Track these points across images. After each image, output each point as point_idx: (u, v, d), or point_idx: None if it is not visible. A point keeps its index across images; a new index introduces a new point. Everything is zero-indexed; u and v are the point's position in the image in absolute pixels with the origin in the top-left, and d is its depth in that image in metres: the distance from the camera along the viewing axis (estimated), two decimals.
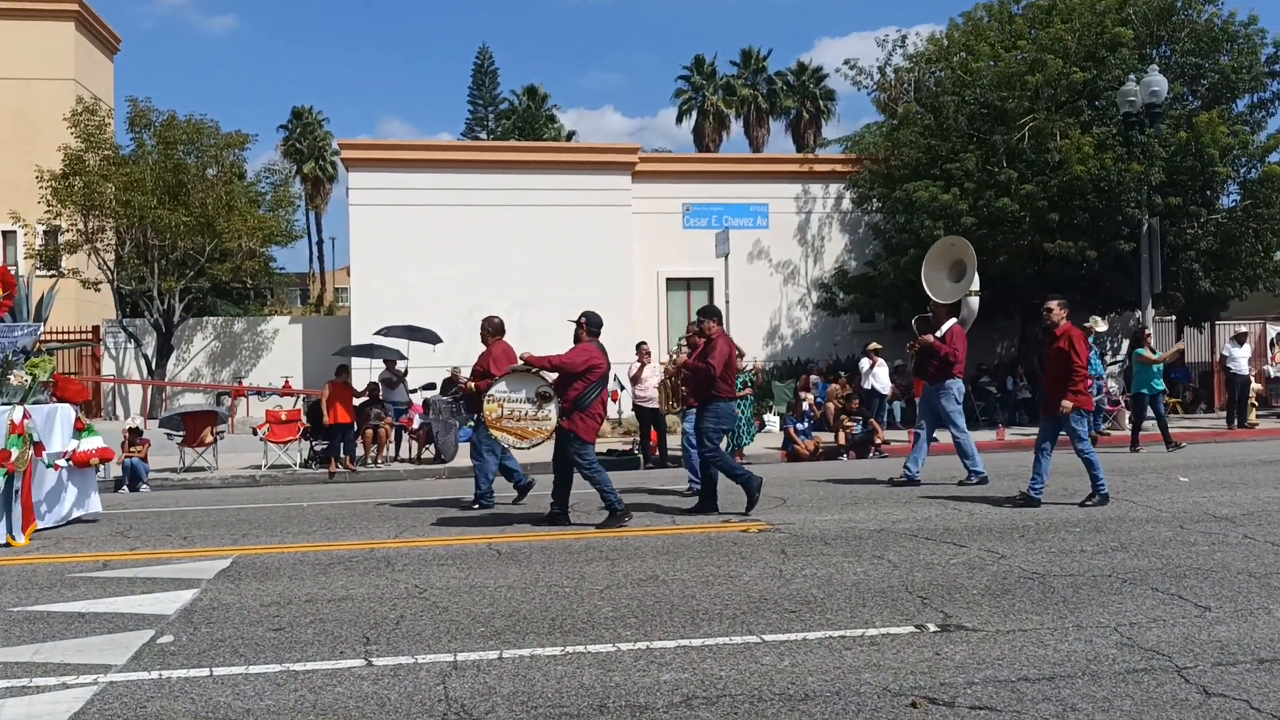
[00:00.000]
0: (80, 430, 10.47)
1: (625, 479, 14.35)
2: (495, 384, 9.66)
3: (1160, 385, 16.19)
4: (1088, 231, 19.75)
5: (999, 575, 6.87)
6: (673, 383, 11.86)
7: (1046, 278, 21.31)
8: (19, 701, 4.83)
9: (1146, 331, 16.73)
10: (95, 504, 10.81)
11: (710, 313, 10.38)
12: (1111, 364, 22.64)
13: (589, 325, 9.78)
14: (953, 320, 12.14)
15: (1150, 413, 16.14)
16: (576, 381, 9.41)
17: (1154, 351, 16.44)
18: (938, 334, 11.83)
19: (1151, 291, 19.44)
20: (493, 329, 11.23)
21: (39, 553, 8.80)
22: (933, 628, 5.66)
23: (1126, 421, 19.74)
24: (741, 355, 15.82)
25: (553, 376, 9.47)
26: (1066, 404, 9.76)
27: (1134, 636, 5.41)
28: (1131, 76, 19.41)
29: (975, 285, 13.52)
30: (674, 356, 13.98)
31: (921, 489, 11.35)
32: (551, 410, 9.45)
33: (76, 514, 10.45)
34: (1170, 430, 16.19)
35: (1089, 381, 10.15)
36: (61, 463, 10.02)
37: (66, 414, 10.31)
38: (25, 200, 24.48)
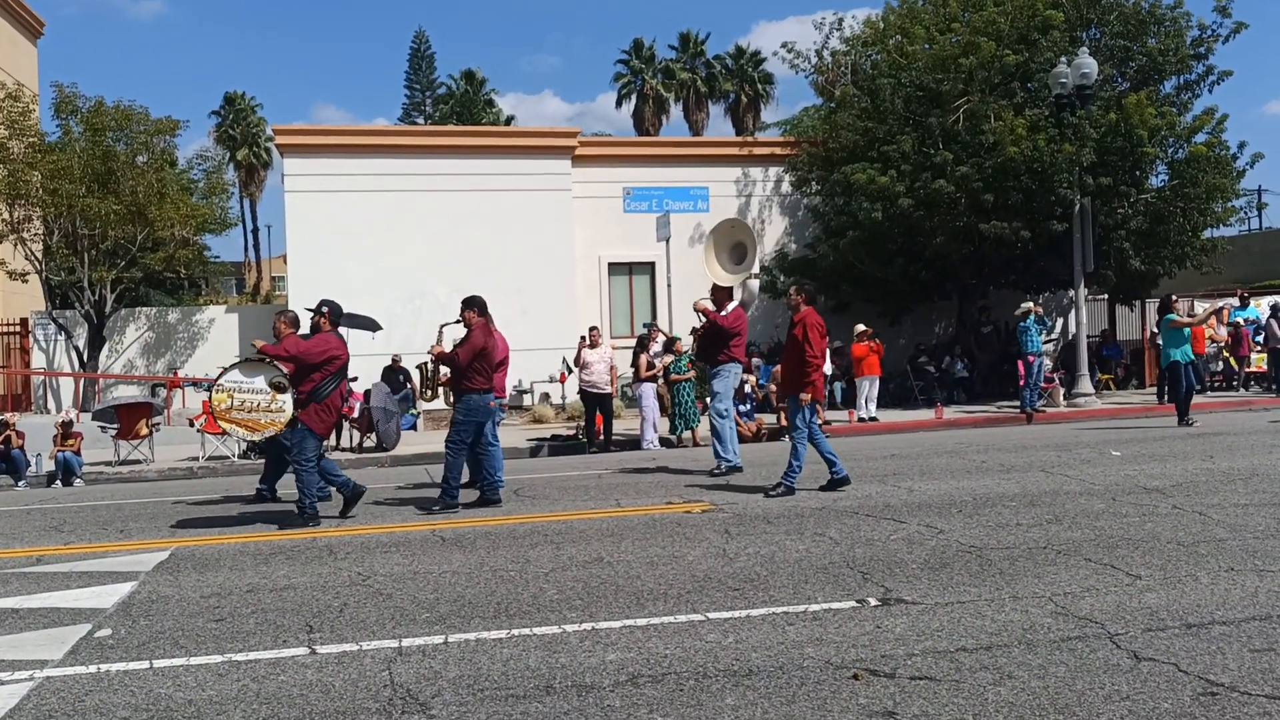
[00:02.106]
0: None
1: (571, 463, 14.38)
2: (227, 373, 9.39)
3: (1191, 354, 15.76)
4: (1022, 212, 20.06)
5: (937, 549, 6.99)
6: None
7: (982, 258, 21.63)
8: None
9: (1175, 298, 16.55)
10: None
11: (472, 303, 10.15)
12: (1047, 342, 23.04)
13: (330, 315, 9.58)
14: (734, 303, 12.03)
15: (1170, 380, 15.68)
16: (314, 373, 9.17)
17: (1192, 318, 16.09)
18: (726, 315, 11.61)
19: (1084, 270, 19.82)
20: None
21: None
22: (873, 602, 5.75)
23: (1061, 399, 20.20)
24: (671, 340, 15.88)
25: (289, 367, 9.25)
26: (805, 396, 9.75)
27: (1068, 605, 5.54)
28: (1062, 59, 19.73)
29: (756, 268, 13.54)
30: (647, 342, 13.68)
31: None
32: (286, 402, 9.17)
33: None
34: (1102, 405, 16.48)
35: (821, 372, 9.99)
36: None
37: None
38: None
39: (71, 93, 23.70)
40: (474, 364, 9.69)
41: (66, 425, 16.50)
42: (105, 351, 24.15)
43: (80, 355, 23.71)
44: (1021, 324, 18.92)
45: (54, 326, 24.02)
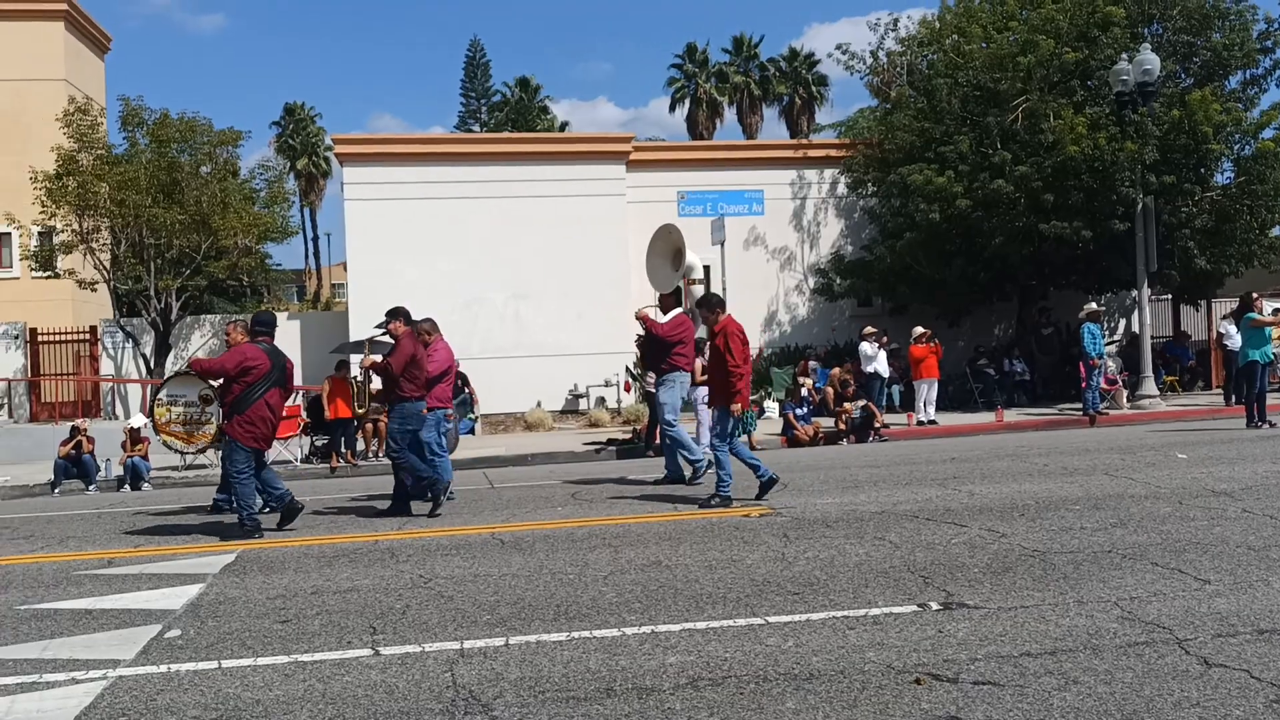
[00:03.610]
0: None
1: (628, 466, 14.41)
2: (162, 388, 9.65)
3: (1272, 354, 15.31)
4: (1082, 212, 19.75)
5: (1000, 554, 6.91)
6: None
7: (1042, 259, 21.32)
8: (30, 697, 4.87)
9: (1256, 296, 16.16)
10: None
11: (397, 313, 10.17)
12: (1109, 343, 22.65)
13: (253, 325, 9.65)
14: (678, 310, 11.82)
15: (1245, 380, 15.28)
16: (234, 384, 9.19)
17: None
18: (663, 323, 11.40)
19: (1147, 270, 19.48)
20: (431, 327, 10.85)
21: (44, 551, 8.83)
22: (935, 606, 5.71)
23: (1124, 401, 19.84)
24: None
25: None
26: (736, 407, 9.63)
27: (1134, 610, 5.45)
28: (1124, 55, 19.39)
29: (698, 274, 13.26)
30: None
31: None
32: (213, 413, 9.37)
33: None
34: (1167, 407, 16.13)
35: (746, 381, 9.80)
36: None
37: None
38: (19, 202, 24.40)
39: (138, 105, 24.22)
40: (406, 372, 9.78)
41: (135, 431, 16.86)
42: (171, 358, 24.64)
43: (147, 362, 24.23)
44: (1084, 325, 18.63)
45: (122, 334, 24.56)
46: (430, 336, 10.61)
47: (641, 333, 11.69)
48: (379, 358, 10.21)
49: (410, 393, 9.87)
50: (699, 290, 13.01)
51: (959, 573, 6.43)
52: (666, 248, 13.10)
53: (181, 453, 10.08)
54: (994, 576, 6.30)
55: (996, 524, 7.91)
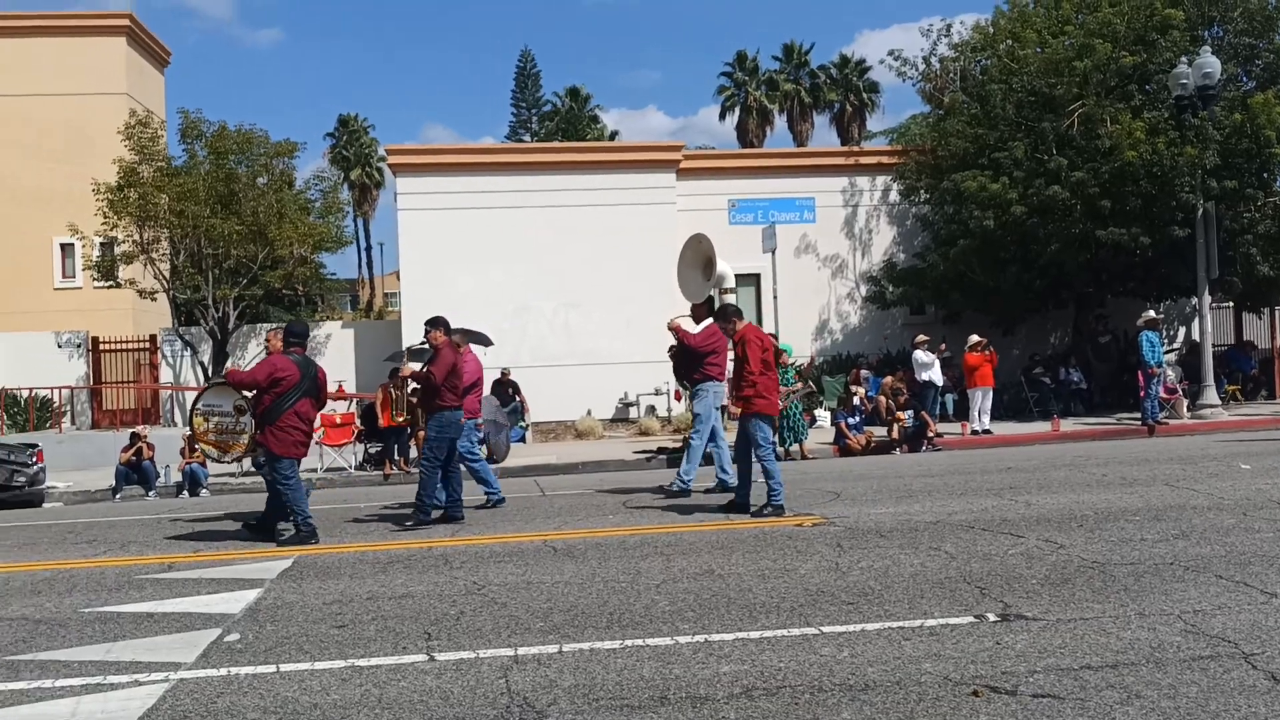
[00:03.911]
0: None
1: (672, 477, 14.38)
2: (201, 397, 9.78)
3: None
4: (1141, 218, 19.44)
5: (1058, 565, 6.81)
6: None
7: (1099, 266, 21.02)
8: (95, 698, 4.96)
9: None
10: None
11: (436, 323, 10.21)
12: (1168, 352, 22.24)
13: (286, 336, 9.70)
14: (710, 320, 11.68)
15: None
16: (264, 396, 9.28)
17: None
18: (694, 334, 11.33)
19: (1208, 277, 19.10)
20: (461, 338, 10.89)
21: (106, 555, 9.00)
22: (992, 617, 5.63)
23: (1185, 411, 19.47)
24: (778, 354, 15.73)
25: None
26: (735, 409, 9.60)
27: (1198, 624, 5.34)
28: (1183, 59, 19.07)
29: (730, 283, 13.04)
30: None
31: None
32: (248, 423, 9.52)
33: None
34: (1229, 416, 15.82)
35: (756, 388, 9.62)
36: None
37: None
38: (82, 213, 24.95)
39: (197, 118, 24.69)
40: (447, 381, 9.84)
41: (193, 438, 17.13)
42: (229, 366, 25.05)
43: (205, 370, 24.63)
44: (1142, 333, 18.33)
45: (180, 343, 25.01)
46: (461, 347, 10.68)
47: (674, 343, 11.64)
48: (418, 366, 10.30)
49: (450, 402, 9.94)
50: (732, 299, 12.90)
51: (1016, 584, 6.34)
52: (697, 257, 13.05)
53: (217, 461, 10.24)
54: (1052, 588, 6.21)
55: (1054, 535, 7.80)
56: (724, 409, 11.46)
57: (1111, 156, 19.12)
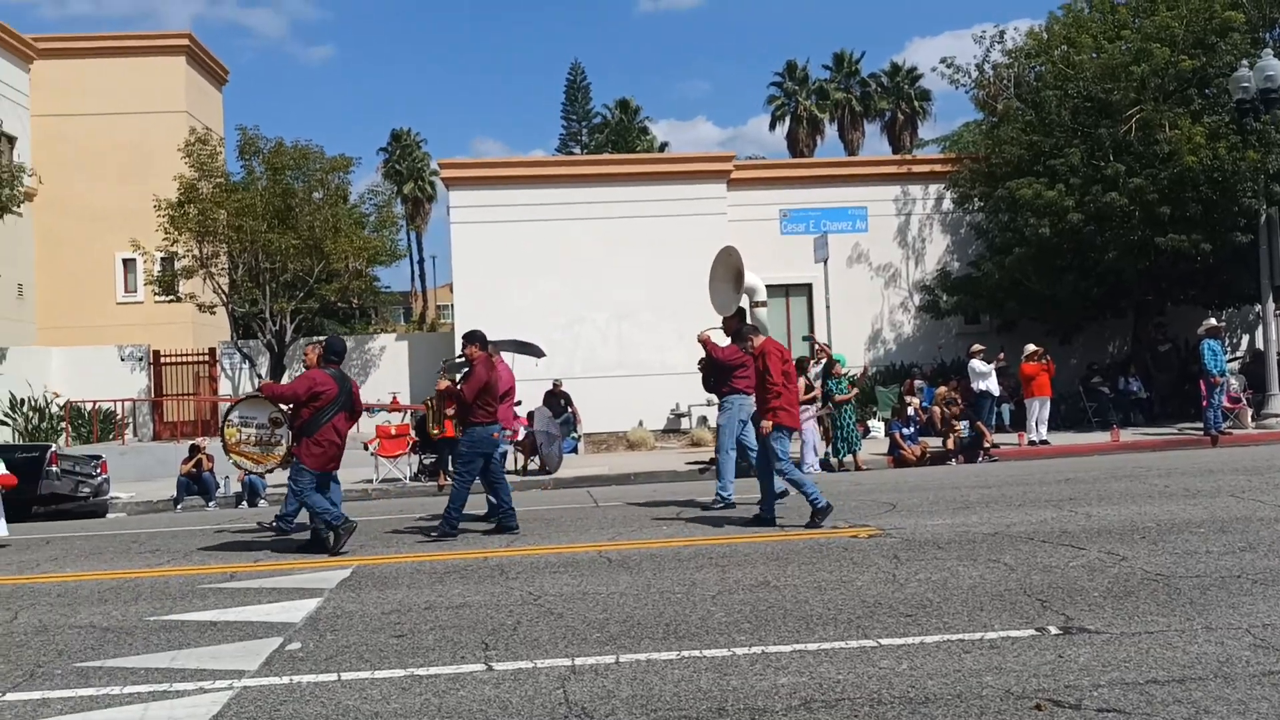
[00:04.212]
0: None
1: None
2: (233, 409, 9.86)
3: None
4: (1201, 224, 19.11)
5: (1121, 577, 6.69)
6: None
7: (1158, 273, 20.68)
8: (162, 705, 5.06)
9: None
10: (1, 528, 11.34)
11: (473, 338, 10.25)
12: (1231, 360, 21.79)
13: (325, 352, 9.80)
14: None
15: None
16: (303, 409, 9.39)
17: None
18: (723, 347, 11.25)
19: (1272, 283, 18.72)
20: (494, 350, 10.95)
21: (170, 565, 9.17)
22: (1054, 630, 5.55)
23: (1249, 420, 19.07)
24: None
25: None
26: (766, 424, 9.56)
27: (1268, 638, 5.23)
28: (1244, 62, 18.72)
29: (761, 296, 12.93)
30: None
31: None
32: (283, 436, 9.59)
33: None
34: None
35: (782, 400, 9.60)
36: None
37: None
38: (144, 228, 25.47)
39: (254, 135, 25.15)
40: (479, 398, 9.87)
41: None
42: (286, 378, 25.42)
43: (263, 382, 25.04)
44: (1204, 341, 17.99)
45: (239, 355, 25.43)
46: (493, 358, 10.73)
47: (704, 356, 11.60)
48: (454, 379, 10.43)
49: (481, 418, 9.98)
50: (763, 313, 12.90)
51: (1078, 596, 6.25)
52: (727, 271, 13.04)
53: (250, 472, 10.37)
54: (1115, 601, 6.11)
55: (1116, 546, 7.67)
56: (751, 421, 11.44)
57: (1171, 162, 18.82)
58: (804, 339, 19.64)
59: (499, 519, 10.20)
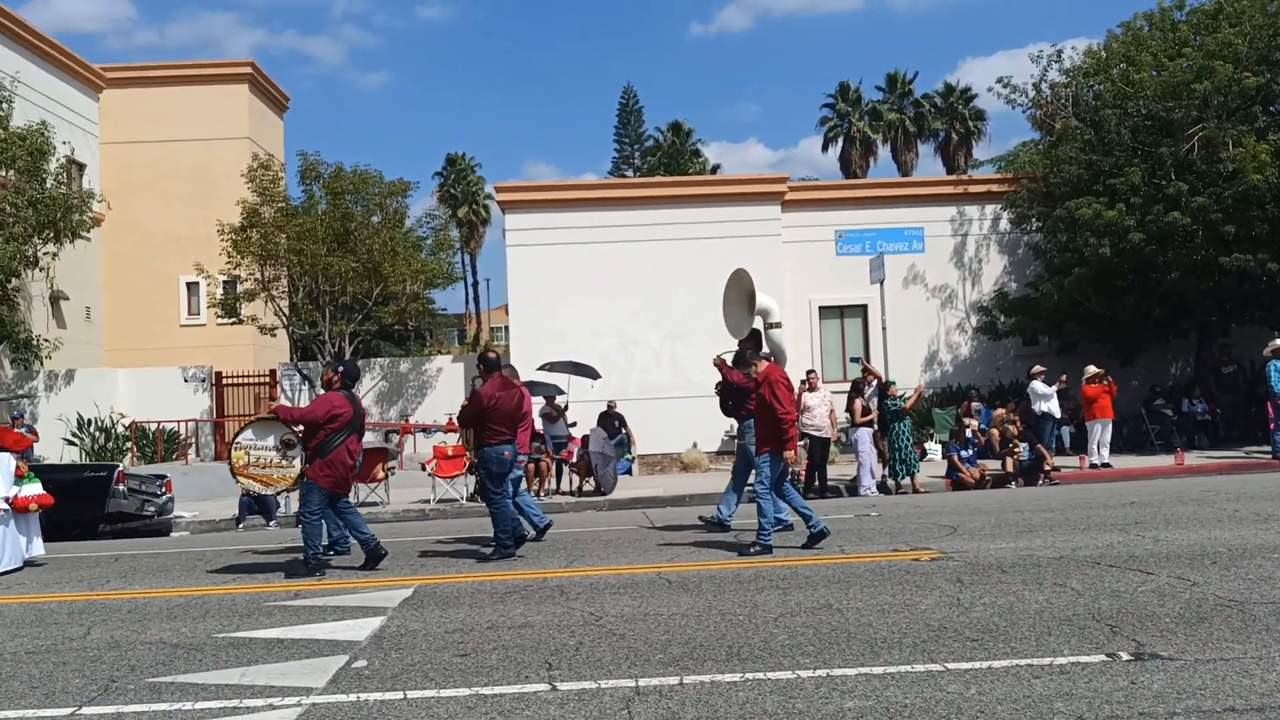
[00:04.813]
0: (20, 478, 11.19)
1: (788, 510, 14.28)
2: (242, 432, 9.91)
3: None
4: (1268, 244, 18.75)
5: (1192, 603, 6.56)
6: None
7: (1223, 293, 20.32)
8: None
9: None
10: (38, 548, 11.52)
11: (482, 361, 10.61)
12: None
13: (343, 376, 10.00)
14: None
15: None
16: (319, 431, 9.56)
17: None
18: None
19: None
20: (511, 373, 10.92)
21: (235, 583, 9.30)
22: (1125, 656, 5.46)
23: None
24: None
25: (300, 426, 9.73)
26: (790, 454, 9.77)
27: None
28: None
29: (775, 318, 12.79)
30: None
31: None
32: (296, 458, 9.66)
33: (29, 556, 11.22)
34: None
35: (795, 428, 9.93)
36: (3, 506, 10.72)
37: (6, 462, 11.05)
38: (207, 253, 25.99)
39: (315, 160, 25.55)
40: (488, 418, 9.98)
41: None
42: (278, 402, 25.73)
43: None
44: (1270, 363, 17.61)
45: (298, 377, 25.78)
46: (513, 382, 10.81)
47: (720, 379, 11.54)
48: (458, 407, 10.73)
49: (490, 440, 10.06)
50: (778, 334, 12.85)
51: (1149, 622, 6.13)
52: (740, 294, 12.97)
53: (260, 495, 10.47)
54: (1188, 627, 5.99)
55: (1186, 572, 7.52)
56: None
57: (1235, 180, 18.52)
58: (853, 360, 19.46)
59: (536, 529, 10.38)
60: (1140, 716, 4.54)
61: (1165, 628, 5.99)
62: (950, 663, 5.49)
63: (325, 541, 10.25)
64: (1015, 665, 5.39)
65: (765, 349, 12.07)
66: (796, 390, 16.73)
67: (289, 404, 8.77)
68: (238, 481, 10.12)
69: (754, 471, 9.97)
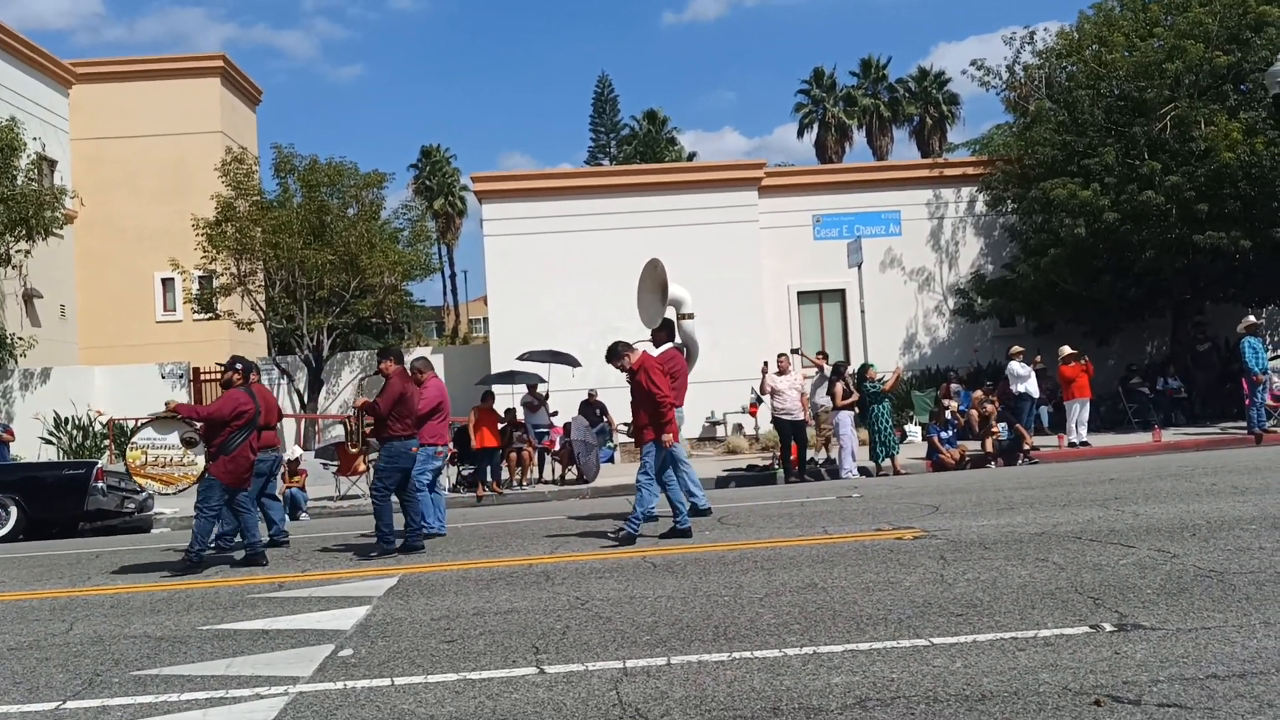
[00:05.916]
0: None
1: (770, 492, 14.35)
2: (140, 431, 9.91)
3: None
4: (1240, 221, 18.90)
5: (1173, 574, 6.62)
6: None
7: (1197, 271, 20.47)
8: (219, 711, 5.12)
9: None
10: None
11: (387, 353, 10.59)
12: (1273, 358, 21.50)
13: (243, 373, 10.03)
14: (668, 344, 11.50)
15: None
16: (224, 428, 9.58)
17: None
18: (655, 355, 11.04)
19: None
20: (424, 365, 11.13)
21: (218, 576, 9.27)
22: (1109, 627, 5.50)
23: None
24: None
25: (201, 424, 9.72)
26: (667, 438, 9.68)
27: None
28: None
29: (688, 308, 12.74)
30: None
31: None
32: (197, 456, 9.64)
33: None
34: None
35: (674, 411, 9.89)
36: None
37: None
38: (182, 248, 25.79)
39: (289, 153, 25.38)
40: (394, 411, 9.96)
41: (293, 463, 17.51)
42: (323, 393, 25.62)
43: (301, 397, 25.22)
44: (1244, 339, 17.78)
45: (277, 371, 25.64)
46: (423, 375, 10.86)
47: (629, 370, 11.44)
48: (370, 398, 10.66)
49: (397, 431, 10.06)
50: (690, 325, 12.76)
51: (1131, 594, 6.19)
52: (653, 284, 12.92)
53: (160, 494, 10.41)
54: (1169, 597, 6.05)
55: (1166, 544, 7.59)
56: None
57: (1207, 159, 18.65)
58: (793, 352, 19.37)
59: (406, 538, 10.06)
60: (1125, 685, 4.58)
61: (1147, 599, 6.05)
62: (935, 637, 5.53)
63: (265, 539, 10.50)
64: (1000, 638, 5.43)
65: (678, 340, 12.06)
66: (766, 374, 16.80)
67: (183, 402, 8.79)
68: (137, 482, 10.10)
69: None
